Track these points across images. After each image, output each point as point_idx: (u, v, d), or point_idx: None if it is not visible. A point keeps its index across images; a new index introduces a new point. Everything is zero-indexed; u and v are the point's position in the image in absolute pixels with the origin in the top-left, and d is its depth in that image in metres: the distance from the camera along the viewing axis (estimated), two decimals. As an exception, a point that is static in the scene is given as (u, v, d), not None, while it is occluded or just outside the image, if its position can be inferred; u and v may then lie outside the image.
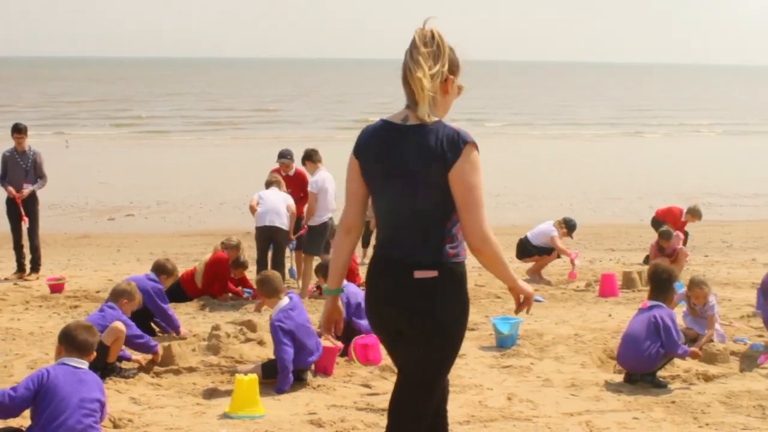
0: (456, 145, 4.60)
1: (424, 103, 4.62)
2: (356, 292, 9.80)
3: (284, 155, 14.37)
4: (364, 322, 9.09)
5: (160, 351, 9.05)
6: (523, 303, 4.97)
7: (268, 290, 8.69)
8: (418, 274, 4.65)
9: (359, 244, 14.22)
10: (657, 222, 16.65)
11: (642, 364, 8.34)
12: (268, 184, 13.44)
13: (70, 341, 6.46)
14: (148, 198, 24.56)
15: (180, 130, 49.96)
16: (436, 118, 4.68)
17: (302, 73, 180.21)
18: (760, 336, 10.26)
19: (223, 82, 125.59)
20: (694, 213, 16.61)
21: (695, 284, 10.08)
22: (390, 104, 59.15)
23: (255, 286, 11.39)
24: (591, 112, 68.34)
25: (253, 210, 13.14)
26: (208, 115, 60.31)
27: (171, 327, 10.37)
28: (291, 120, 57.75)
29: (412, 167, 4.63)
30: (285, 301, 8.59)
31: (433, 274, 4.65)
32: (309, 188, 13.34)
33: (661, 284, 8.72)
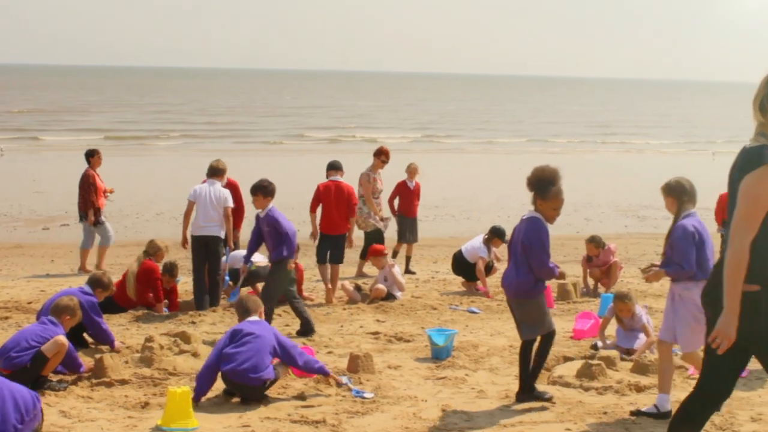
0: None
1: None
2: None
3: (337, 167, 14.35)
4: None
5: (86, 369, 8.97)
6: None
7: (240, 312, 8.77)
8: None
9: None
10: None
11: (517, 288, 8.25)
12: (213, 171, 13.16)
13: None
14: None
15: (120, 138, 49.48)
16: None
17: (256, 84, 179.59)
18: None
19: (180, 91, 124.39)
20: None
21: (618, 298, 10.28)
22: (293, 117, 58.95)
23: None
24: (551, 127, 69.02)
25: (187, 216, 12.96)
26: (154, 125, 59.82)
27: (104, 342, 10.20)
28: (241, 131, 57.54)
29: None
30: (254, 318, 8.69)
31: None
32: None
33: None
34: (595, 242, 14.43)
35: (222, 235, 12.87)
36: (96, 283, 10.41)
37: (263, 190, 11.19)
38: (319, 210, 14.18)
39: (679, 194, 8.13)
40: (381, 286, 13.50)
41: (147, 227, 21.49)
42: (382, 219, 15.97)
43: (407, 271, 16.21)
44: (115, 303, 12.30)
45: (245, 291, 12.66)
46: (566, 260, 18.38)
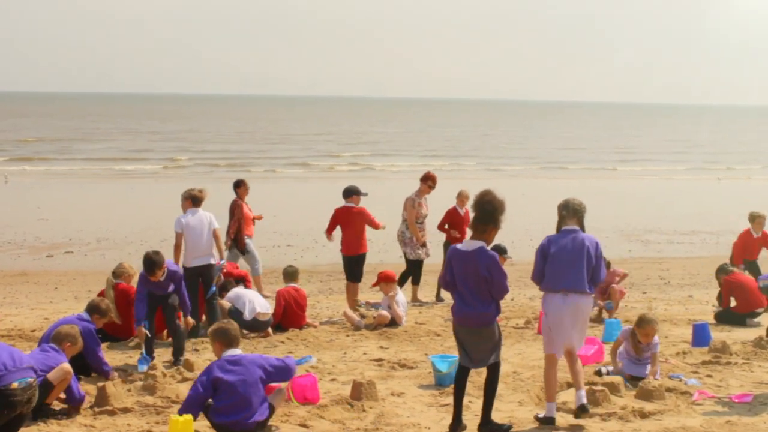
0: None
1: None
2: None
3: (355, 192, 14.81)
4: None
5: (86, 401, 8.91)
6: None
7: (223, 339, 8.41)
8: None
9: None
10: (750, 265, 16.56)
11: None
12: (193, 200, 12.95)
13: None
14: (88, 235, 24.25)
15: (124, 166, 49.59)
16: None
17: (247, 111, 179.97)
18: (695, 372, 10.39)
19: (179, 119, 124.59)
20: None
21: (646, 322, 10.09)
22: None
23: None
24: (543, 151, 69.01)
25: (178, 249, 12.80)
26: (165, 152, 59.95)
27: (99, 370, 10.10)
28: (238, 158, 57.63)
29: None
30: (233, 351, 8.34)
31: None
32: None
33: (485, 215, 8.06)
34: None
35: (214, 260, 12.84)
36: (94, 309, 10.38)
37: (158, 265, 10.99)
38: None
39: (558, 210, 8.69)
40: (385, 312, 13.48)
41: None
42: (423, 245, 15.81)
43: (437, 299, 16.22)
44: (107, 333, 12.10)
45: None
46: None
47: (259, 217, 17.08)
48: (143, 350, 11.00)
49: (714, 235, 26.00)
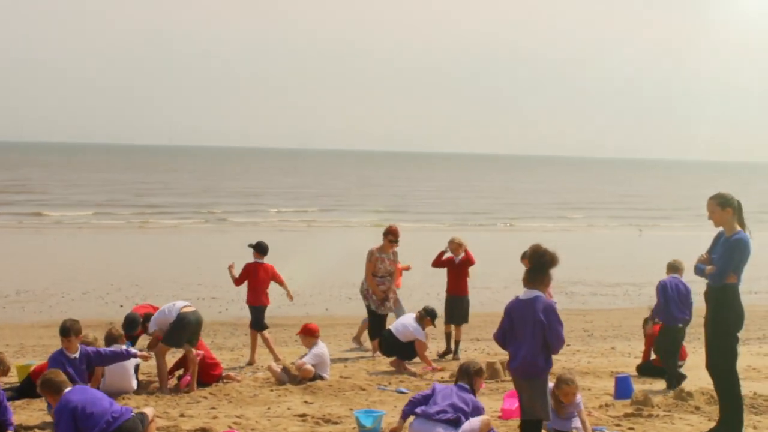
0: None
1: None
2: None
3: (262, 248, 15.35)
4: None
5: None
6: None
7: (52, 389, 8.96)
8: None
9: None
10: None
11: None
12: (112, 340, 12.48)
13: None
14: (7, 287, 23.71)
15: (49, 216, 48.82)
16: None
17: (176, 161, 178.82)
18: (618, 425, 10.47)
19: (104, 168, 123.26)
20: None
21: (563, 382, 10.05)
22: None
23: None
24: (474, 204, 69.60)
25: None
26: (77, 200, 59.19)
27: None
28: (161, 206, 57.18)
29: None
30: (66, 388, 8.91)
31: None
32: None
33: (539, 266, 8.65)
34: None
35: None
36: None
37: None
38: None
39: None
40: (309, 366, 13.36)
41: (73, 307, 21.02)
42: (386, 299, 15.60)
43: (454, 356, 15.73)
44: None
45: None
46: (480, 336, 18.45)
47: (407, 268, 17.11)
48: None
49: (636, 287, 26.42)
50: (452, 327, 15.92)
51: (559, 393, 10.06)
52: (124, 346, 12.01)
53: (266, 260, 15.41)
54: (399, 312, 15.69)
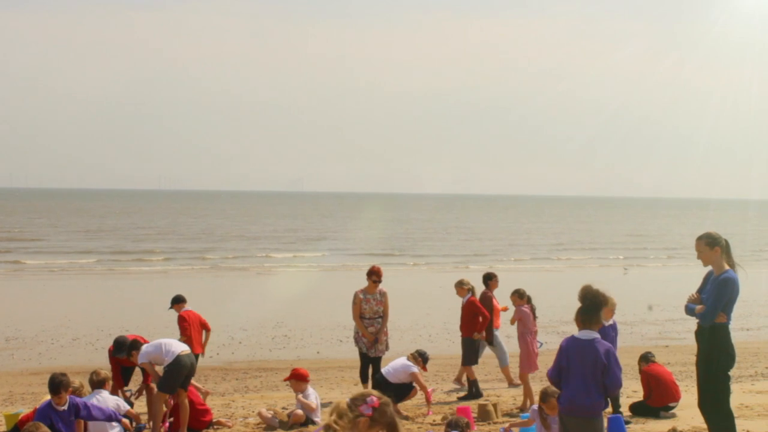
0: None
1: None
2: None
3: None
4: None
5: None
6: None
7: None
8: None
9: None
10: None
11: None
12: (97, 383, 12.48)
13: None
14: (-5, 334, 23.60)
15: (39, 262, 48.68)
16: None
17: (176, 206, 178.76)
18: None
19: (91, 213, 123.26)
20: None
21: (549, 395, 10.34)
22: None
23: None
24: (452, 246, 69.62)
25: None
26: (70, 247, 59.09)
27: None
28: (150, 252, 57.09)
29: None
30: None
31: None
32: None
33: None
34: (518, 294, 14.85)
35: None
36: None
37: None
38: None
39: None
40: (300, 411, 13.29)
41: (62, 354, 20.98)
42: (376, 341, 15.46)
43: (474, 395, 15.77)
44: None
45: None
46: (487, 378, 18.36)
47: (505, 309, 17.31)
48: None
49: (628, 326, 26.38)
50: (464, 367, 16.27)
51: (545, 407, 10.32)
52: (107, 392, 12.01)
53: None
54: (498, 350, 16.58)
